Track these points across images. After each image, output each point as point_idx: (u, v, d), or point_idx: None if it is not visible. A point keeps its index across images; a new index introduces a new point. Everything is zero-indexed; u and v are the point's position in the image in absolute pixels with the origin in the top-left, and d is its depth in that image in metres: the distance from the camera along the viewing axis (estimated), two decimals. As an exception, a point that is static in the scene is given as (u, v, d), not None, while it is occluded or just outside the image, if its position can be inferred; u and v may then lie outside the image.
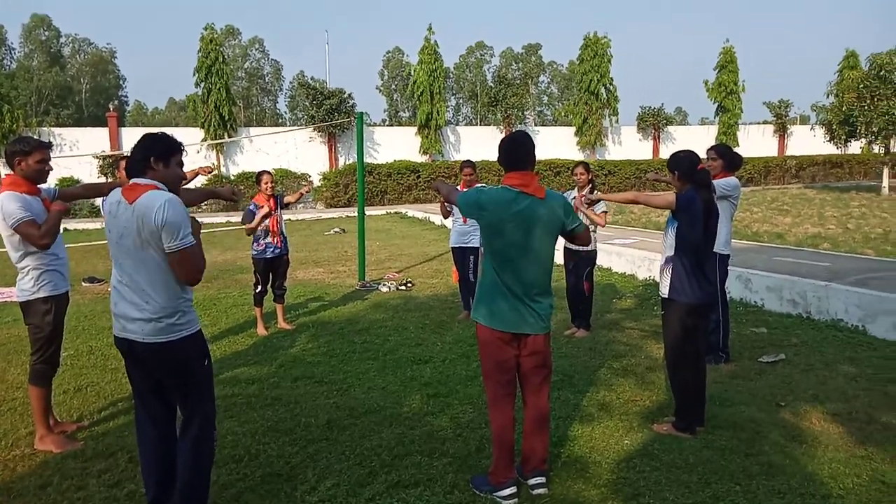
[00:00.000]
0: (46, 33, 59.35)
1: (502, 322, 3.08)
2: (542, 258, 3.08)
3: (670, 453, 3.62)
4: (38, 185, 3.79)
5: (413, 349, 5.80)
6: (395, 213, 21.67)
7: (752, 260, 8.62)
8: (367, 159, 25.80)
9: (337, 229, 16.69)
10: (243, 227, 6.43)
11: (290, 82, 75.32)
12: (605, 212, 6.17)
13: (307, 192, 7.32)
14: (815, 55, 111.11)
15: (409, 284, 8.88)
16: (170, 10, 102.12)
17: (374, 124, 26.10)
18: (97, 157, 20.16)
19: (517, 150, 3.06)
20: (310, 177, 24.09)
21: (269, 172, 6.52)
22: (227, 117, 23.11)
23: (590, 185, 6.18)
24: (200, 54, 23.25)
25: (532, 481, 3.22)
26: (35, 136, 22.34)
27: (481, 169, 25.39)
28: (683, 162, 3.76)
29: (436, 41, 26.19)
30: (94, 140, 22.66)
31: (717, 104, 31.40)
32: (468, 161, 6.71)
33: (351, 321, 6.91)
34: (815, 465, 3.45)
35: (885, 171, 23.65)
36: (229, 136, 23.31)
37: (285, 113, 74.86)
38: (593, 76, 28.25)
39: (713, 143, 32.14)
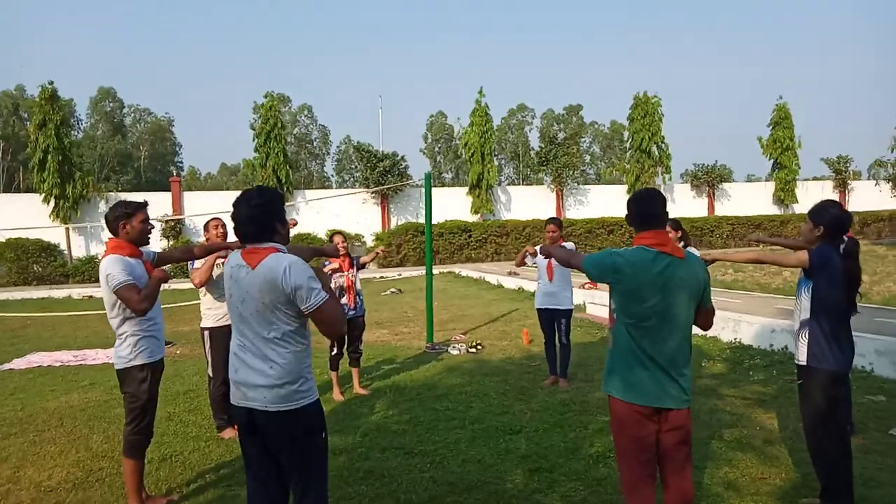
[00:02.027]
0: (111, 104, 63.16)
1: (642, 395, 2.80)
2: (684, 324, 2.82)
3: (825, 543, 3.20)
4: (140, 248, 3.76)
5: (500, 417, 5.48)
6: (449, 272, 21.57)
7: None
8: (419, 219, 26.05)
9: (393, 290, 16.62)
10: None
11: (338, 146, 77.98)
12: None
13: (383, 252, 7.25)
14: (868, 110, 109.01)
15: (479, 347, 8.61)
16: (222, 81, 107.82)
17: (411, 184, 26.27)
18: (160, 221, 20.84)
19: (651, 207, 2.85)
20: (363, 237, 24.35)
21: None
22: (283, 180, 23.75)
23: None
24: (260, 121, 24.17)
25: (676, 573, 2.86)
26: (103, 201, 23.52)
27: (533, 226, 25.33)
28: (835, 220, 3.44)
29: (486, 104, 26.69)
30: (157, 204, 23.46)
31: (772, 161, 30.80)
32: (554, 218, 6.51)
33: (428, 386, 6.65)
34: None
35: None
36: (288, 198, 23.88)
37: (332, 176, 77.07)
38: (644, 135, 28.15)
39: (770, 200, 31.55)
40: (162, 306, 3.91)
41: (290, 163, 25.68)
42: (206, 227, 5.16)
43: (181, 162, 70.60)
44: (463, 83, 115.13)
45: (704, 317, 2.91)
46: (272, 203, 2.66)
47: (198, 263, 5.01)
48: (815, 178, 36.66)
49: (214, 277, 4.98)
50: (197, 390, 6.68)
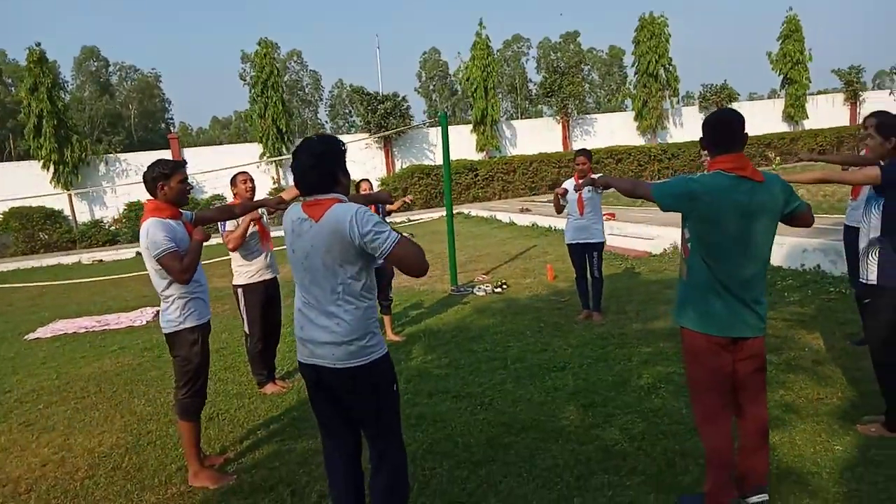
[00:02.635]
0: (96, 64, 61.52)
1: (719, 326, 2.68)
2: (763, 250, 2.67)
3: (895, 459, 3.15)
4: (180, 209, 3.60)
5: (540, 355, 5.44)
6: (458, 213, 21.35)
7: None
8: (424, 161, 25.65)
9: (407, 234, 16.50)
10: None
11: (330, 91, 76.46)
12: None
13: (410, 201, 7.09)
14: (876, 19, 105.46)
15: (505, 286, 8.53)
16: (206, 32, 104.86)
17: (424, 124, 25.79)
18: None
19: (729, 129, 2.65)
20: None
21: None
22: (283, 129, 23.28)
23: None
24: (255, 69, 23.49)
25: (753, 499, 2.80)
26: (102, 164, 23.15)
27: (540, 161, 24.94)
28: None
29: (487, 36, 25.77)
30: (160, 163, 23.08)
31: (782, 76, 29.96)
32: (583, 150, 6.28)
33: (461, 328, 6.60)
34: None
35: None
36: (287, 149, 23.46)
37: (326, 122, 75.91)
38: (651, 57, 27.31)
39: (780, 117, 30.91)
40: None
41: (290, 111, 25.08)
42: (233, 181, 4.98)
43: (171, 118, 69.37)
44: (455, 17, 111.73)
45: (802, 218, 2.76)
46: (334, 151, 2.49)
47: (230, 225, 4.86)
48: (820, 92, 35.78)
49: (247, 237, 4.87)
50: (229, 347, 6.65)
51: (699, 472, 3.15)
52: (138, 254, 16.76)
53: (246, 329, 5.10)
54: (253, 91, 23.70)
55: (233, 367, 5.94)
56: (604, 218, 6.53)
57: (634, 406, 4.14)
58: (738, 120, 2.66)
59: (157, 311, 9.08)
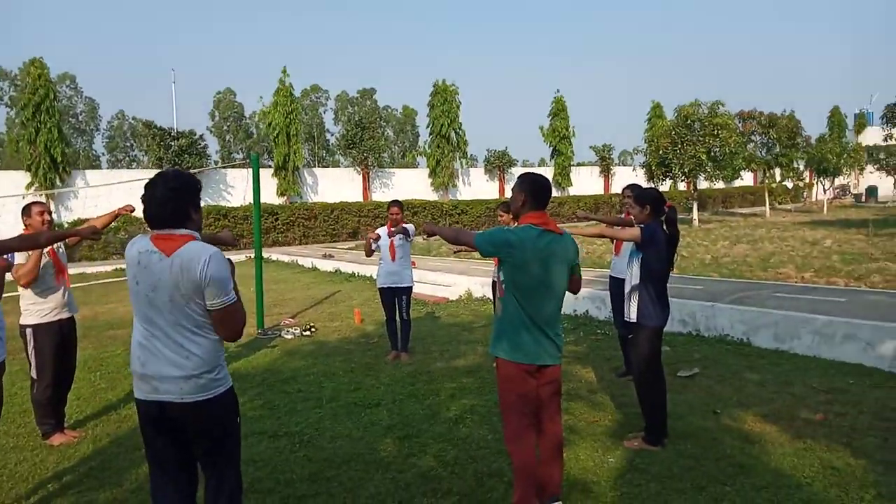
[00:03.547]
0: None
1: (526, 355, 3.19)
2: (560, 290, 3.26)
3: (654, 465, 3.91)
4: None
5: (354, 394, 5.64)
6: (256, 257, 20.74)
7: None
8: (221, 202, 24.57)
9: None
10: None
11: (109, 122, 69.96)
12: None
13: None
14: (627, 105, 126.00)
15: (313, 329, 8.59)
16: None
17: (231, 165, 24.84)
18: None
19: (542, 192, 3.23)
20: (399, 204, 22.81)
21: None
22: (59, 159, 20.75)
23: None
24: (27, 91, 20.78)
25: (551, 507, 3.32)
26: None
27: (342, 209, 25.33)
28: (656, 200, 4.17)
29: (291, 84, 25.88)
30: None
31: (551, 147, 34.28)
32: (396, 201, 6.76)
33: (272, 371, 6.54)
34: (775, 461, 3.93)
35: (695, 206, 27.31)
36: (62, 180, 20.95)
37: (103, 154, 69.13)
38: (444, 121, 29.55)
39: (551, 182, 35.32)
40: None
41: (66, 139, 22.47)
42: (26, 211, 4.49)
43: None
44: (253, 60, 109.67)
45: (575, 283, 3.38)
46: (189, 187, 2.54)
47: (19, 258, 4.36)
48: (581, 164, 41.59)
49: (41, 271, 4.42)
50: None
51: (505, 489, 3.62)
52: None
53: (33, 374, 4.58)
54: (21, 114, 20.88)
55: (5, 418, 5.20)
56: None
57: (445, 435, 4.53)
58: (549, 184, 3.29)
59: None
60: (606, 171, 37.88)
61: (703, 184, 30.40)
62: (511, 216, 6.75)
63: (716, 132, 24.42)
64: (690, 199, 28.55)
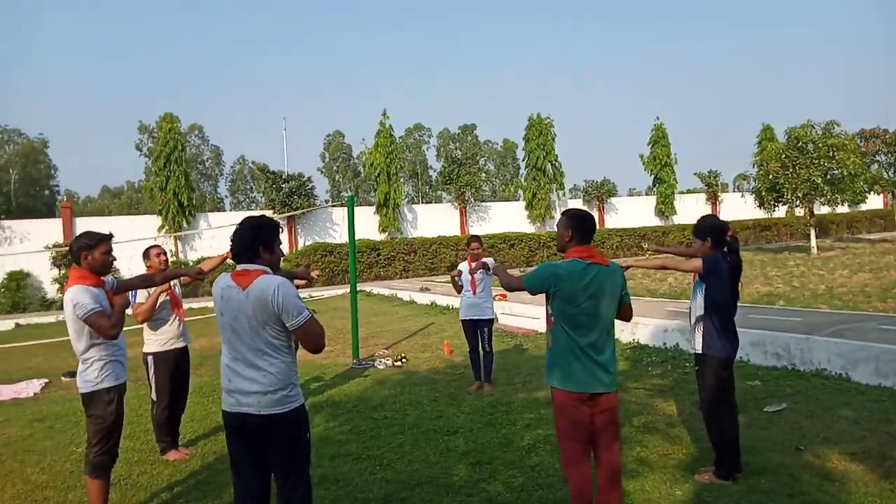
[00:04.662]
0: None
1: (578, 384, 3.34)
2: (608, 321, 3.41)
3: (722, 499, 3.88)
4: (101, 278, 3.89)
5: (435, 421, 5.92)
6: (360, 290, 21.69)
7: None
8: (327, 239, 26.04)
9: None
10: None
11: (231, 167, 75.87)
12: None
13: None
14: (733, 129, 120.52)
15: (405, 360, 9.00)
16: (105, 101, 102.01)
17: (331, 205, 26.47)
18: (49, 249, 19.56)
19: (587, 226, 3.43)
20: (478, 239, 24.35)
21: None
22: (185, 203, 23.07)
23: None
24: (159, 143, 23.37)
25: (609, 533, 3.40)
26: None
27: (439, 244, 26.03)
28: (715, 230, 4.21)
29: (391, 125, 27.25)
30: (47, 231, 21.93)
31: (653, 176, 33.48)
32: (475, 236, 7.08)
33: (362, 399, 6.97)
34: (855, 500, 3.77)
35: (812, 233, 25.57)
36: (188, 222, 23.17)
37: (226, 196, 74.84)
38: (539, 154, 29.79)
39: (653, 212, 34.26)
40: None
41: (192, 186, 24.93)
42: (146, 254, 5.24)
43: (57, 185, 65.69)
44: (359, 103, 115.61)
45: (625, 310, 3.51)
46: (258, 229, 3.00)
47: (140, 296, 5.08)
48: (688, 191, 40.14)
49: (157, 307, 5.11)
50: (127, 416, 6.59)
51: (567, 514, 3.73)
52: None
53: (153, 396, 5.25)
54: (155, 164, 23.49)
55: (133, 435, 5.94)
56: (495, 298, 7.27)
57: (517, 463, 4.69)
58: (593, 220, 3.48)
59: (45, 383, 8.76)
60: (714, 199, 36.37)
61: (823, 209, 28.42)
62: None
63: (831, 153, 22.91)
64: (808, 225, 26.76)
